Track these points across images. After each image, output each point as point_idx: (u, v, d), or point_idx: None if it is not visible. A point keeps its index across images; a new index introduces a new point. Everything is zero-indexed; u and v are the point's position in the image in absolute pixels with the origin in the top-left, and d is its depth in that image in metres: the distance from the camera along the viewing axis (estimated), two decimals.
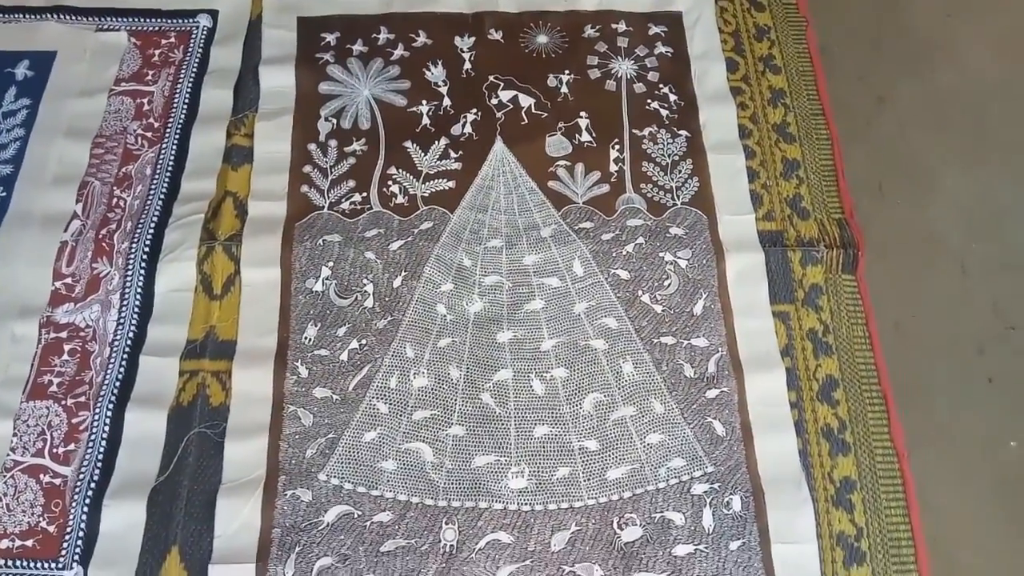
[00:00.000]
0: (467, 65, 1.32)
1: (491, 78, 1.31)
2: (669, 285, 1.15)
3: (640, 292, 1.15)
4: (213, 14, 1.35)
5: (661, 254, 1.17)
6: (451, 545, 0.99)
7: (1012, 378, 1.14)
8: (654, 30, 1.36)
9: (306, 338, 1.11)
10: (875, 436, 1.07)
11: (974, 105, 1.35)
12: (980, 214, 1.27)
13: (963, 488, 1.08)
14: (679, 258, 1.17)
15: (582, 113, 1.28)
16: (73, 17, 1.33)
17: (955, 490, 1.08)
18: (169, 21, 1.34)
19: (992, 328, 1.17)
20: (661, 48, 1.34)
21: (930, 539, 1.01)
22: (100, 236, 1.16)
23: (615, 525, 1.01)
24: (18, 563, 0.99)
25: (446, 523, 1.01)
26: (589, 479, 1.04)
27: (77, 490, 1.02)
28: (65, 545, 0.99)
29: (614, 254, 1.17)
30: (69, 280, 1.13)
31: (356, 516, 1.00)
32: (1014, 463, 1.09)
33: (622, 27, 1.36)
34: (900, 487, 1.04)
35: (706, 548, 1.00)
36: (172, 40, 1.33)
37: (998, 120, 1.34)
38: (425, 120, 1.27)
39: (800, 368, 1.11)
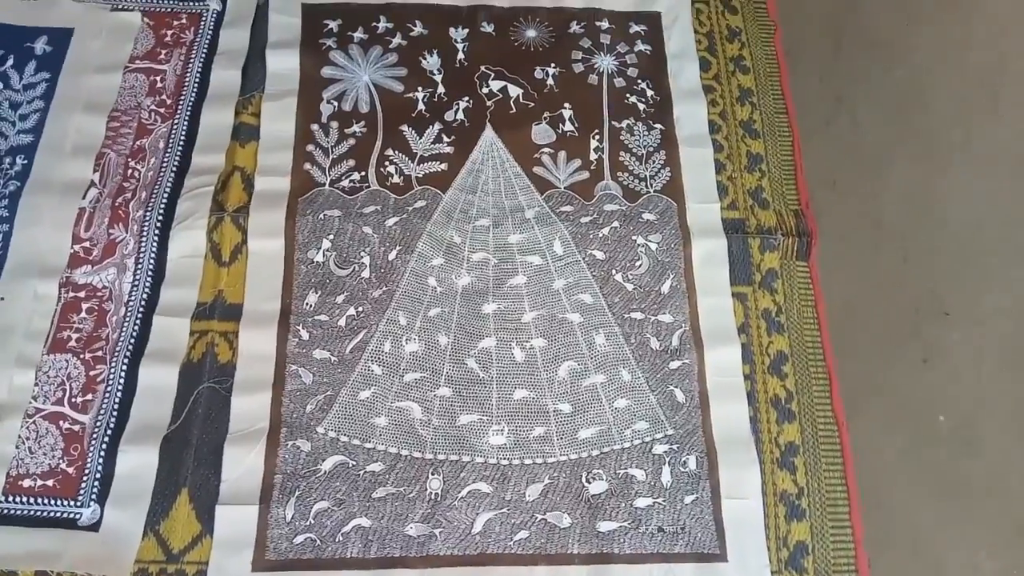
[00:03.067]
0: (460, 55, 1.41)
1: (482, 68, 1.40)
2: (640, 266, 1.26)
3: (614, 271, 1.25)
4: None
5: (634, 237, 1.28)
6: (436, 493, 1.10)
7: (944, 359, 1.26)
8: (634, 28, 1.46)
9: (307, 304, 1.20)
10: (818, 407, 1.19)
11: (922, 106, 1.46)
12: (923, 207, 1.38)
13: (896, 455, 1.20)
14: (650, 241, 1.28)
15: (566, 104, 1.38)
16: None
17: (888, 457, 1.20)
18: (181, 3, 1.42)
19: (929, 313, 1.29)
20: (640, 46, 1.44)
21: (864, 499, 1.13)
22: (116, 204, 1.25)
23: (583, 479, 1.12)
24: (40, 500, 1.08)
25: (432, 474, 1.11)
26: (562, 438, 1.15)
27: (94, 436, 1.11)
28: (83, 485, 1.08)
29: (591, 236, 1.28)
30: (87, 244, 1.22)
31: (351, 465, 1.11)
32: (941, 435, 1.21)
33: (605, 25, 1.46)
34: (839, 452, 1.16)
35: (664, 501, 1.12)
36: (183, 22, 1.41)
37: (942, 120, 1.45)
38: (420, 106, 1.36)
39: (754, 344, 1.23)
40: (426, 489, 1.10)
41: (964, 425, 1.22)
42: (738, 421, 1.17)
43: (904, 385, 1.24)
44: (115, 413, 1.13)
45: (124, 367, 1.15)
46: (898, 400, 1.23)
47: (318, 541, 1.07)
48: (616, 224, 1.28)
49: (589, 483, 1.12)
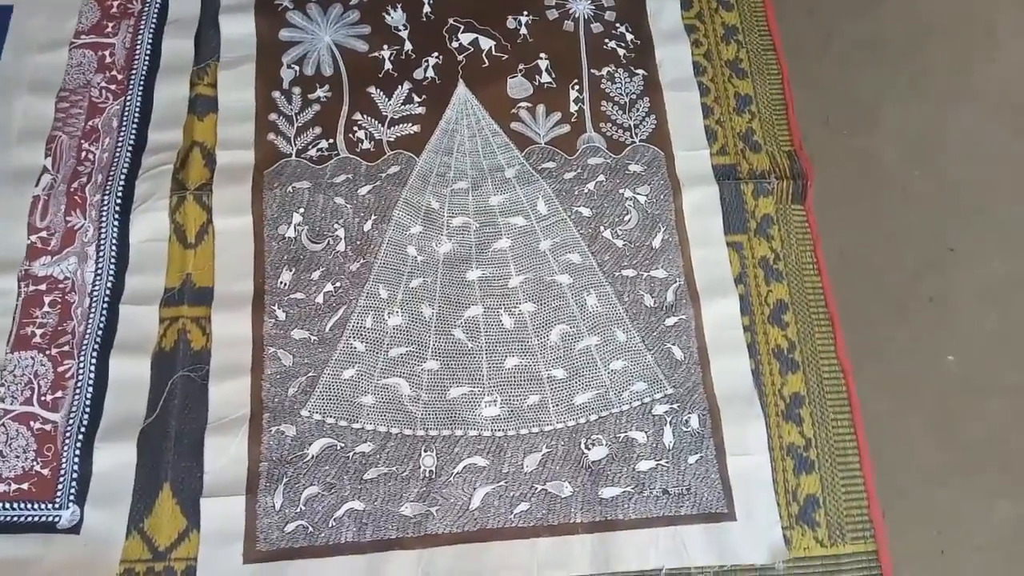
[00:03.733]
0: (427, 8, 1.34)
1: (451, 21, 1.33)
2: (629, 220, 1.20)
3: (602, 228, 1.20)
4: None
5: (621, 191, 1.22)
6: (430, 470, 1.06)
7: (950, 297, 1.21)
8: None
9: (281, 282, 1.14)
10: (822, 355, 1.15)
11: (916, 40, 1.40)
12: (920, 143, 1.32)
13: (904, 400, 1.16)
14: (638, 194, 1.22)
15: (542, 55, 1.31)
16: None
17: (897, 402, 1.16)
18: None
19: (932, 250, 1.24)
20: None
21: (874, 448, 1.09)
22: (72, 189, 1.18)
23: (583, 446, 1.08)
24: (16, 505, 1.03)
25: (425, 451, 1.07)
26: (558, 405, 1.10)
27: (68, 434, 1.06)
28: (60, 486, 1.04)
29: (576, 192, 1.22)
30: (44, 234, 1.15)
31: (339, 448, 1.06)
32: (951, 376, 1.17)
33: None
34: (845, 401, 1.12)
35: (667, 463, 1.07)
36: None
37: (937, 55, 1.39)
38: (387, 65, 1.29)
39: (752, 294, 1.17)
40: (419, 467, 1.06)
41: (975, 365, 1.18)
42: (740, 375, 1.13)
43: (910, 326, 1.19)
44: (88, 409, 1.07)
45: (93, 361, 1.10)
46: (905, 343, 1.19)
47: (310, 528, 1.02)
48: (601, 178, 1.22)
49: (589, 449, 1.08)
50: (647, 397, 1.11)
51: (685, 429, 1.09)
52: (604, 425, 1.09)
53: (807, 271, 1.19)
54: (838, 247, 1.23)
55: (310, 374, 1.10)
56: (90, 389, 1.08)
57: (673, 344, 1.14)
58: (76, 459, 1.05)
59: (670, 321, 1.15)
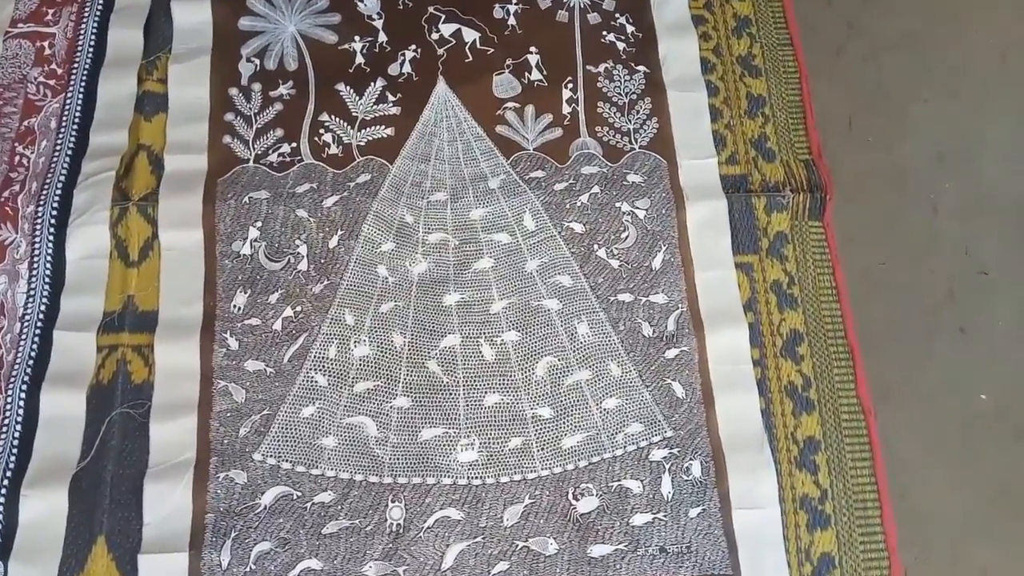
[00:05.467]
0: None
1: (431, 9, 1.19)
2: (626, 238, 1.08)
3: (596, 246, 1.07)
4: None
5: (618, 204, 1.09)
6: (398, 524, 0.94)
7: (984, 327, 1.09)
8: None
9: (235, 306, 1.02)
10: (841, 392, 1.03)
11: (949, 31, 1.26)
12: (953, 149, 1.20)
13: (932, 445, 1.04)
14: (637, 208, 1.09)
15: (532, 48, 1.18)
16: None
17: (924, 447, 1.04)
18: None
19: (964, 273, 1.12)
20: None
21: (897, 499, 0.98)
22: (2, 199, 1.06)
23: (570, 496, 0.96)
24: None
25: (392, 501, 0.95)
26: (543, 448, 0.98)
27: None
28: None
29: (568, 205, 1.09)
30: None
31: (295, 497, 0.95)
32: (985, 417, 1.05)
33: None
34: (867, 446, 1.00)
35: (665, 517, 0.96)
36: None
37: (973, 47, 1.26)
38: (359, 59, 1.16)
39: (763, 323, 1.05)
40: (385, 520, 0.94)
41: (1011, 403, 1.06)
42: (748, 416, 1.01)
43: (939, 360, 1.07)
44: (15, 450, 0.96)
45: (23, 395, 0.98)
46: (933, 378, 1.06)
47: None
48: (596, 189, 1.10)
49: (577, 500, 0.96)
50: (644, 440, 0.99)
51: (686, 478, 0.97)
52: (595, 472, 0.97)
53: (825, 297, 1.07)
54: (860, 269, 1.10)
55: (264, 412, 0.98)
56: (18, 427, 0.97)
57: (674, 380, 1.02)
58: (0, 508, 0.93)
59: (671, 353, 1.03)
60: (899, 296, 1.10)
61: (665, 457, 0.98)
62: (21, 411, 0.97)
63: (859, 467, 0.99)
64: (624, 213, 1.09)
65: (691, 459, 0.98)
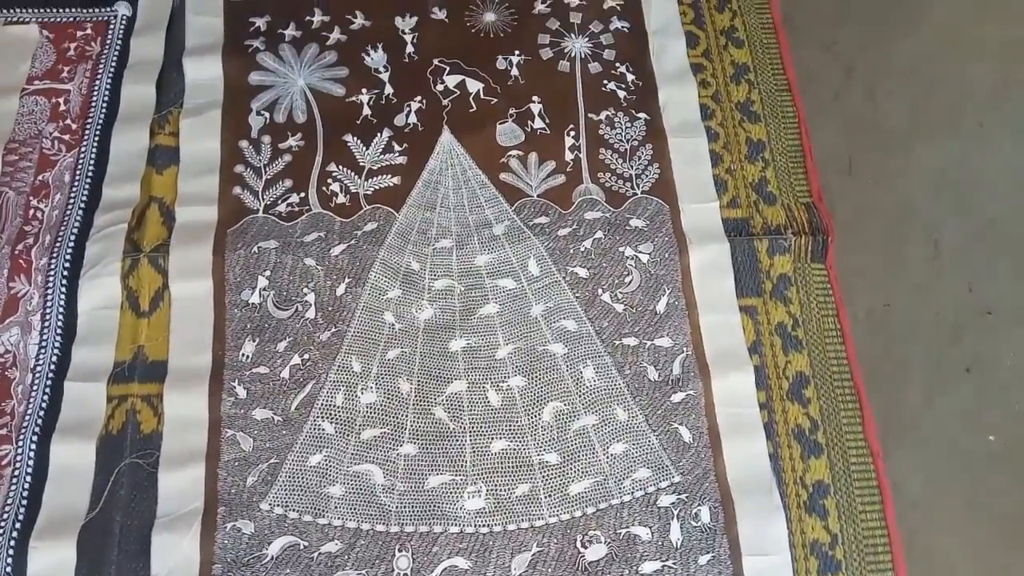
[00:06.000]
0: (409, 48, 1.23)
1: (436, 62, 1.22)
2: (630, 282, 1.09)
3: (600, 291, 1.08)
4: (132, 2, 1.25)
5: (621, 249, 1.10)
6: (405, 573, 0.94)
7: (990, 367, 1.08)
8: (609, 3, 1.28)
9: (243, 355, 1.03)
10: (849, 435, 1.02)
11: (946, 72, 1.28)
12: (954, 187, 1.20)
13: (942, 486, 1.03)
14: (640, 252, 1.10)
15: (534, 97, 1.20)
16: None
17: (933, 488, 1.03)
18: (85, 11, 1.24)
19: (968, 313, 1.12)
20: (617, 23, 1.26)
21: (907, 542, 0.97)
22: (16, 252, 1.07)
23: (578, 544, 0.96)
24: None
25: (399, 550, 0.95)
26: (550, 495, 0.98)
27: (1, 531, 0.94)
28: None
29: (572, 251, 1.10)
30: None
31: (302, 547, 0.94)
32: (994, 459, 1.04)
33: (575, 1, 1.27)
34: (876, 489, 0.99)
35: (674, 564, 0.95)
36: (88, 32, 1.22)
37: (971, 84, 1.27)
38: (366, 110, 1.18)
39: (769, 366, 1.05)
40: (393, 570, 0.94)
41: (1019, 444, 1.05)
42: (756, 460, 1.00)
43: (946, 401, 1.06)
44: (24, 502, 0.96)
45: (33, 445, 0.99)
46: (940, 420, 1.06)
47: None
48: (600, 235, 1.11)
49: (585, 548, 0.95)
50: (651, 486, 0.98)
51: (695, 524, 0.97)
52: (603, 519, 0.97)
53: (830, 339, 1.07)
54: (864, 311, 1.11)
55: (272, 461, 0.98)
56: (28, 479, 0.97)
57: (680, 424, 1.01)
58: (9, 560, 0.93)
59: (677, 397, 1.03)
60: (904, 337, 1.10)
61: (674, 503, 0.98)
62: (31, 462, 0.98)
63: (869, 511, 0.98)
64: (628, 257, 1.10)
65: (700, 504, 0.98)
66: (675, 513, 0.97)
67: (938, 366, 1.08)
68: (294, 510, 0.96)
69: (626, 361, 1.05)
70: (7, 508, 0.96)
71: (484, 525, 0.96)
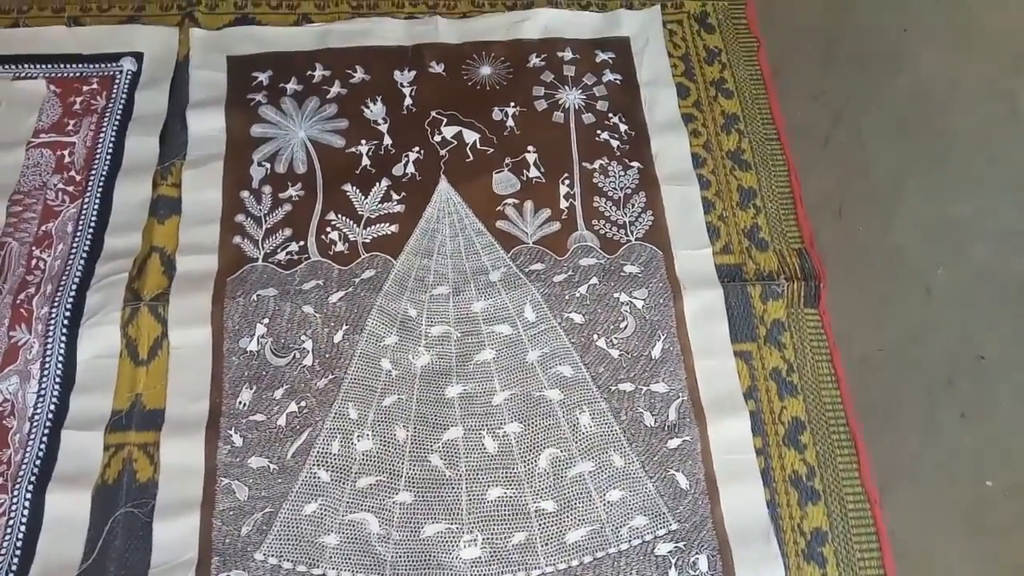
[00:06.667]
0: (408, 101, 1.26)
1: (433, 113, 1.25)
2: (625, 327, 1.10)
3: (595, 336, 1.09)
4: (138, 57, 1.28)
5: (616, 295, 1.11)
6: None
7: (985, 411, 1.08)
8: (601, 57, 1.31)
9: (240, 403, 1.03)
10: (845, 481, 1.02)
11: (933, 117, 1.30)
12: (944, 232, 1.22)
13: (939, 532, 1.02)
14: (635, 298, 1.11)
15: (529, 147, 1.22)
16: None
17: (931, 534, 1.02)
18: (91, 66, 1.27)
19: (962, 357, 1.12)
20: (609, 75, 1.29)
21: None
22: (18, 301, 1.08)
23: None
24: None
25: None
26: (547, 544, 0.97)
27: None
28: None
29: (567, 297, 1.11)
30: None
31: None
32: (992, 504, 1.03)
33: (568, 55, 1.31)
34: (874, 535, 0.99)
35: None
36: (94, 86, 1.26)
37: (958, 131, 1.30)
38: (365, 161, 1.21)
39: (765, 411, 1.05)
40: None
41: (1016, 489, 1.04)
42: (754, 507, 1.00)
43: (942, 447, 1.06)
44: (18, 552, 0.96)
45: (28, 495, 0.98)
46: (937, 465, 1.06)
47: None
48: (594, 281, 1.12)
49: None
50: (649, 534, 0.98)
51: (693, 573, 0.96)
52: (600, 568, 0.96)
53: (824, 384, 1.07)
54: (858, 356, 1.11)
55: (267, 510, 0.97)
56: (22, 529, 0.97)
57: (677, 470, 1.01)
58: None
59: (673, 443, 1.03)
60: (899, 382, 1.10)
61: (671, 551, 0.97)
62: (26, 512, 0.97)
63: (867, 559, 0.98)
64: (623, 303, 1.11)
65: (697, 553, 0.97)
66: (672, 561, 0.96)
67: (933, 411, 1.08)
68: (288, 560, 0.95)
69: (622, 407, 1.05)
70: (0, 558, 0.95)
71: (480, 575, 0.95)
